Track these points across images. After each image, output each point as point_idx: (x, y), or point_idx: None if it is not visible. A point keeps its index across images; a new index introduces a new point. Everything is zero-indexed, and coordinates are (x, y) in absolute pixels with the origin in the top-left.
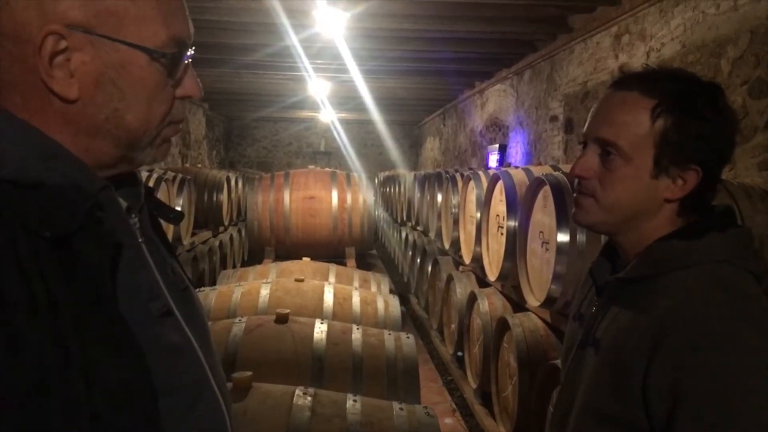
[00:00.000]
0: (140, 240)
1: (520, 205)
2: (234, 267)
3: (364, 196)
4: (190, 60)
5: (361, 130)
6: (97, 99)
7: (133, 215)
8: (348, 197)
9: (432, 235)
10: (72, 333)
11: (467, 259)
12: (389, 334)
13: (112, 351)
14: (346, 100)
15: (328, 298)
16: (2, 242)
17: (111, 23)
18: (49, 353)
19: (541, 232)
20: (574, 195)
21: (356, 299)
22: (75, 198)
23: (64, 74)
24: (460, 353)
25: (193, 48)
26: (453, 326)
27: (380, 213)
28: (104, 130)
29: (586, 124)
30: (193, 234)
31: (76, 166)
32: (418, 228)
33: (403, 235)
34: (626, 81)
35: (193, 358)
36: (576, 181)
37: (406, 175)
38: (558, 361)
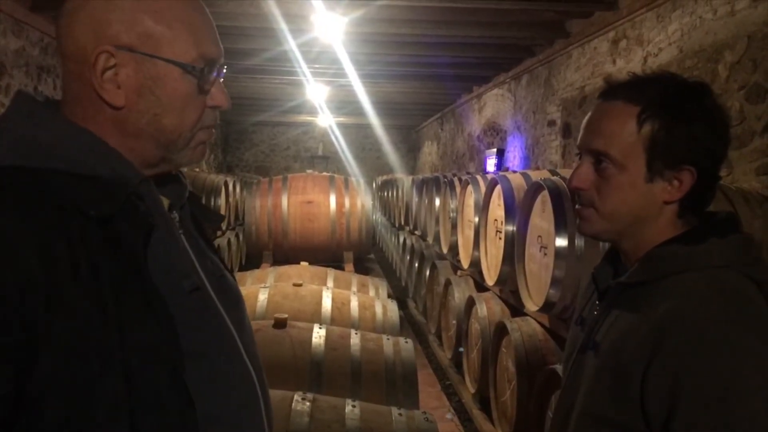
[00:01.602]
0: (180, 231)
1: (518, 209)
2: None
3: (362, 200)
4: (221, 77)
5: (359, 134)
6: (139, 106)
7: (174, 211)
8: (346, 201)
9: (430, 239)
10: (109, 295)
11: (465, 264)
12: (388, 338)
13: (143, 313)
14: (344, 104)
15: (327, 303)
16: (56, 218)
17: (150, 43)
18: (87, 309)
19: (540, 236)
20: (576, 207)
21: (354, 304)
22: (118, 187)
23: (112, 86)
24: (461, 348)
25: (225, 67)
26: (451, 331)
27: (378, 217)
28: (146, 132)
29: (579, 136)
30: None
31: (122, 162)
32: (416, 232)
33: (401, 239)
34: (612, 91)
35: (224, 332)
36: (576, 192)
37: (404, 179)
38: (556, 366)
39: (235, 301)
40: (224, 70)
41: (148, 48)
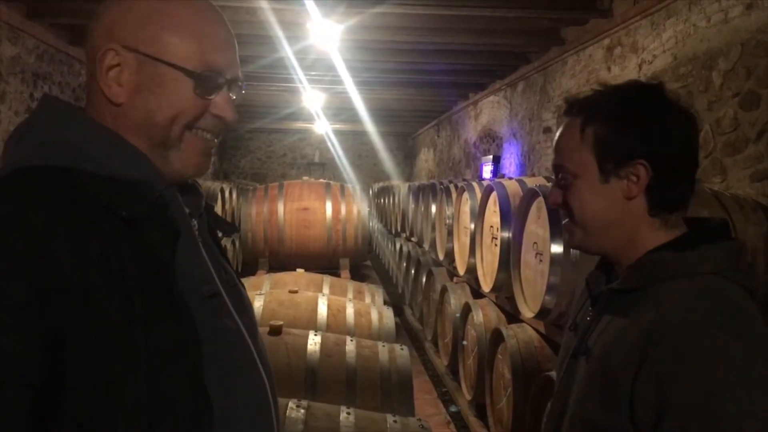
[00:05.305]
0: (198, 239)
1: (514, 216)
2: None
3: (359, 207)
4: (233, 92)
5: (355, 141)
6: (136, 102)
7: (193, 219)
8: (342, 208)
9: (426, 246)
10: (136, 295)
11: (461, 270)
12: (383, 345)
13: (167, 314)
14: (341, 111)
15: (322, 310)
16: (89, 217)
17: (156, 46)
18: (116, 307)
19: (535, 243)
20: (563, 222)
21: (350, 311)
22: (146, 189)
23: (115, 83)
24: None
25: (241, 82)
26: (447, 338)
27: (374, 224)
28: (140, 129)
29: None
30: None
31: (148, 166)
32: (413, 239)
33: (398, 246)
34: (568, 108)
35: (239, 338)
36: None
37: (401, 186)
38: (552, 373)
39: (246, 309)
40: (238, 86)
41: (152, 50)
